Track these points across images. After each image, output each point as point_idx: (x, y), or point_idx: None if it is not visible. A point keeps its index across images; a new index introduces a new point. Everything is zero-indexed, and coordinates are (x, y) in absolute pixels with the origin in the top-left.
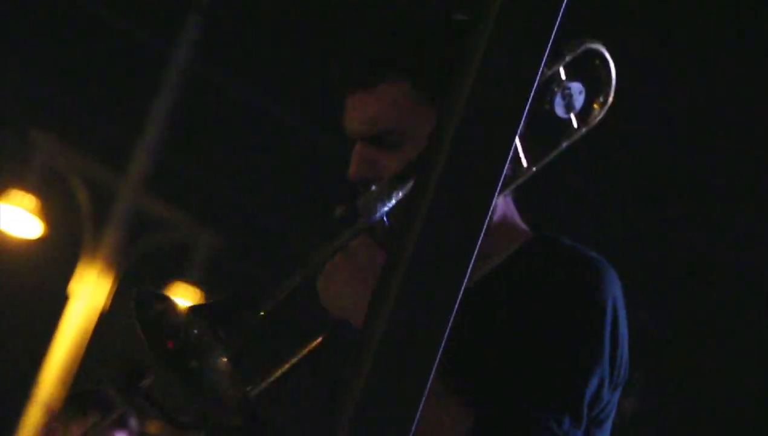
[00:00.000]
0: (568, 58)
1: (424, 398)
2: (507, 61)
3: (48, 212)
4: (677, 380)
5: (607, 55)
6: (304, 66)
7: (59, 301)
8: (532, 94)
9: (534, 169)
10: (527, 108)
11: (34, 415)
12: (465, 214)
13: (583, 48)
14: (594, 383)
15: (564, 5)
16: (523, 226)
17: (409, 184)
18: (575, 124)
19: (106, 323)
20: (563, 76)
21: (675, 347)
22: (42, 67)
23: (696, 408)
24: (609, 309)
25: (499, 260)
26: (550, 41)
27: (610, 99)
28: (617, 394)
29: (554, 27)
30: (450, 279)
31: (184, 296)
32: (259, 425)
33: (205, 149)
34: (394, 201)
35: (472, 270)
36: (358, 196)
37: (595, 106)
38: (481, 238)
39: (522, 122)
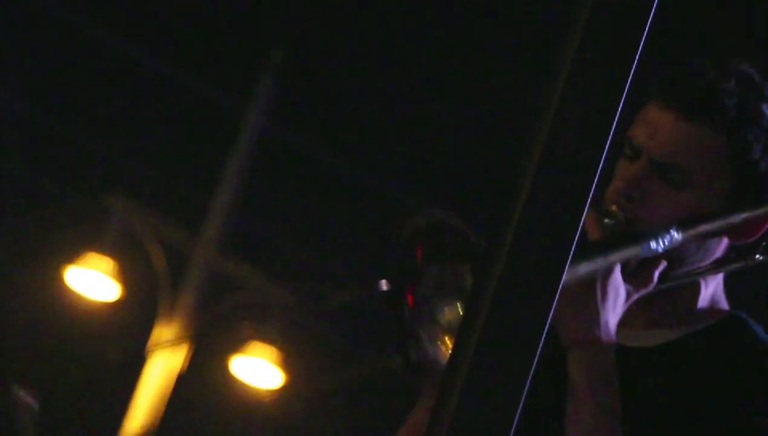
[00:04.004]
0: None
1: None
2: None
3: (125, 275)
4: None
5: None
6: (379, 126)
7: (137, 363)
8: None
9: (758, 260)
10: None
11: None
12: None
13: None
14: None
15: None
16: (726, 306)
17: (691, 233)
18: None
19: (183, 385)
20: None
21: None
22: (116, 131)
23: None
24: None
25: (686, 331)
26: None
27: None
28: None
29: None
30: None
31: (262, 356)
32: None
33: (279, 209)
34: (666, 244)
35: (656, 333)
36: (631, 221)
37: None
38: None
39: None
